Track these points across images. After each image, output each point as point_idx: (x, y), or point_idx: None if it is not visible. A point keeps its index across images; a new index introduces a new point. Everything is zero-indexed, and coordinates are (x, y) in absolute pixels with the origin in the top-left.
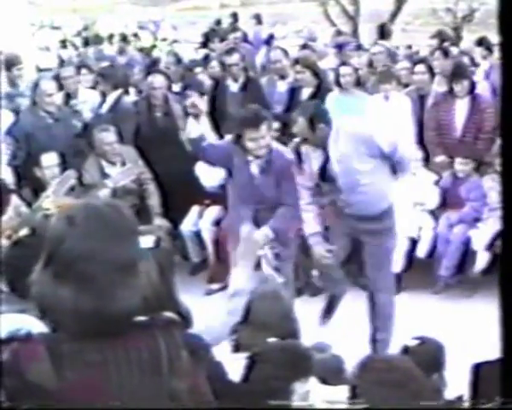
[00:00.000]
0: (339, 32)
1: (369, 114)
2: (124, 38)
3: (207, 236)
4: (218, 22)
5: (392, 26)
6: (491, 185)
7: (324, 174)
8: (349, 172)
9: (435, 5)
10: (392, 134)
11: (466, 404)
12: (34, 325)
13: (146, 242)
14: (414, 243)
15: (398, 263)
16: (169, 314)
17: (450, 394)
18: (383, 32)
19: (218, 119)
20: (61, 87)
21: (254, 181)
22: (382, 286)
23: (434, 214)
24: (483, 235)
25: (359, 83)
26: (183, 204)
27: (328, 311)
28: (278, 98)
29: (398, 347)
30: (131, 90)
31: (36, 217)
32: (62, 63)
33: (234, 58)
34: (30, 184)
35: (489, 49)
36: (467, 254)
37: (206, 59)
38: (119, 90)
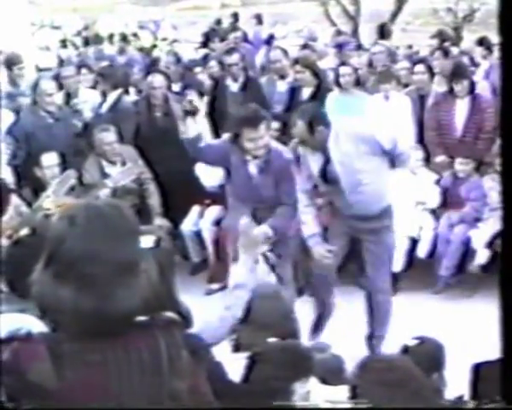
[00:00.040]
0: (339, 32)
1: (368, 113)
2: (124, 38)
3: (208, 236)
4: (219, 22)
5: (393, 25)
6: (492, 185)
7: (325, 176)
8: (351, 172)
9: (436, 5)
10: (392, 130)
11: (469, 405)
12: (34, 324)
13: (146, 242)
14: (414, 242)
15: (398, 262)
16: (169, 314)
17: (450, 394)
18: (383, 32)
19: (217, 118)
20: (61, 87)
21: (252, 181)
22: (381, 284)
23: (435, 214)
24: (483, 235)
25: (359, 83)
26: (183, 204)
27: (317, 328)
28: (278, 98)
29: (398, 347)
30: (131, 89)
31: (36, 217)
32: (62, 63)
33: (234, 58)
34: (30, 183)
35: (489, 49)
36: (467, 254)
37: (206, 59)
38: (119, 90)
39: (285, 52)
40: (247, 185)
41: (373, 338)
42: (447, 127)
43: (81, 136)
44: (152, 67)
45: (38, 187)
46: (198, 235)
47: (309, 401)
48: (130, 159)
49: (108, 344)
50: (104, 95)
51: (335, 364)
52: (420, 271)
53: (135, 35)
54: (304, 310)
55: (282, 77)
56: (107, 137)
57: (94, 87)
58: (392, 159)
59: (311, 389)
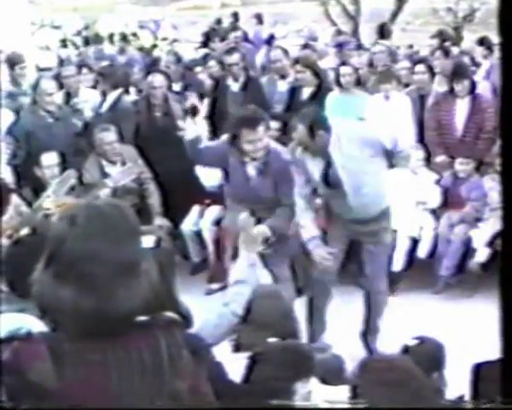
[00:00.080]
0: (339, 32)
1: (369, 115)
2: (124, 38)
3: (208, 235)
4: (219, 22)
5: (393, 25)
6: (492, 185)
7: (326, 180)
8: (354, 175)
9: (436, 5)
10: (392, 129)
11: (470, 405)
12: (34, 324)
13: (147, 242)
14: (415, 242)
15: (398, 262)
16: (170, 314)
17: (450, 394)
18: (383, 32)
19: (218, 118)
20: (61, 86)
21: (251, 182)
22: (380, 284)
23: (435, 214)
24: (484, 234)
25: (359, 82)
26: (183, 204)
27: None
28: (278, 98)
29: (398, 346)
30: (132, 89)
31: (36, 216)
32: (62, 63)
33: (234, 57)
34: (30, 183)
35: (490, 48)
36: (467, 254)
37: (206, 58)
38: (119, 90)
39: (285, 52)
40: (246, 187)
41: (368, 334)
42: (447, 127)
43: (81, 135)
44: (152, 66)
45: (38, 187)
46: (198, 235)
47: (310, 401)
48: (130, 159)
49: (109, 344)
50: (104, 94)
51: (335, 364)
52: (420, 271)
53: (135, 35)
54: (304, 310)
55: (283, 77)
56: (108, 136)
57: (94, 87)
58: (392, 158)
59: (311, 390)
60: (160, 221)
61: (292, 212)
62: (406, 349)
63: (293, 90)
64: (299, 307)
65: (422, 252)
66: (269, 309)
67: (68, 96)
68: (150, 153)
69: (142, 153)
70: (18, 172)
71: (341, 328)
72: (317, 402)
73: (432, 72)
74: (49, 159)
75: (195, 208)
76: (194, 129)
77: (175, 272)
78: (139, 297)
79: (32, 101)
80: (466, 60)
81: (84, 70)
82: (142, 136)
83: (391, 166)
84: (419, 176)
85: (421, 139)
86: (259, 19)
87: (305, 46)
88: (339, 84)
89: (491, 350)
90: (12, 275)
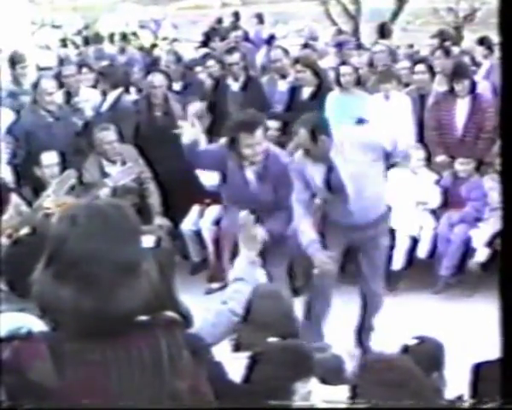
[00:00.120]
0: (340, 32)
1: (368, 115)
2: (124, 37)
3: (208, 235)
4: (219, 21)
5: (393, 25)
6: (492, 185)
7: (327, 185)
8: (357, 179)
9: (436, 4)
10: (391, 131)
11: (466, 404)
12: (34, 323)
13: (147, 241)
14: (415, 241)
15: (398, 262)
16: (170, 314)
17: (450, 393)
18: (384, 32)
19: (218, 118)
20: (61, 86)
21: (249, 186)
22: (376, 286)
23: (435, 214)
24: (484, 234)
25: (359, 82)
26: (183, 203)
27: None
28: (279, 97)
29: (398, 346)
30: (132, 89)
31: (36, 216)
32: (62, 62)
33: (234, 57)
34: (30, 182)
35: (490, 48)
36: (467, 254)
37: (206, 57)
38: (120, 89)
39: (286, 51)
40: (244, 191)
41: (362, 333)
42: (447, 127)
43: (81, 135)
44: (152, 66)
45: (38, 186)
46: (198, 234)
47: (310, 401)
48: (130, 158)
49: (109, 344)
50: (104, 94)
51: (335, 364)
52: (420, 271)
53: (133, 34)
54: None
55: (283, 76)
56: (108, 136)
57: (94, 86)
58: (392, 160)
59: (311, 389)
60: (159, 221)
61: (290, 215)
62: (406, 349)
63: (294, 90)
64: (299, 307)
65: (422, 252)
66: (269, 309)
67: (68, 96)
68: (150, 152)
69: (142, 152)
70: (18, 172)
71: (341, 328)
72: (317, 402)
73: (432, 71)
74: (49, 158)
75: (195, 208)
76: (192, 132)
77: (175, 271)
78: (139, 297)
79: (32, 100)
80: (466, 59)
81: (85, 69)
82: (142, 135)
83: (391, 165)
84: (419, 176)
85: (421, 139)
86: (260, 18)
87: (306, 46)
88: (339, 83)
89: (491, 350)
90: (12, 275)
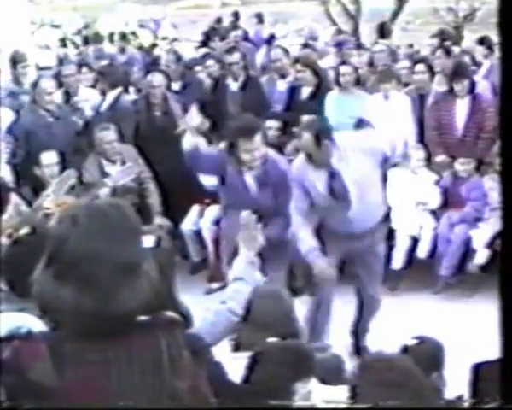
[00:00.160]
0: (339, 31)
1: (368, 115)
2: (124, 37)
3: (207, 235)
4: (219, 21)
5: (393, 25)
6: (492, 185)
7: (329, 192)
8: (360, 184)
9: (436, 4)
10: (390, 135)
11: (466, 404)
12: (34, 323)
13: (147, 241)
14: (415, 241)
15: (398, 261)
16: (170, 314)
17: (450, 393)
18: (383, 31)
19: (217, 118)
20: (60, 85)
21: (249, 191)
22: (373, 290)
23: (435, 214)
24: (484, 234)
25: (359, 82)
26: (183, 203)
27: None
28: (278, 97)
29: (398, 346)
30: (131, 88)
31: (36, 216)
32: (62, 62)
33: (234, 57)
34: (29, 182)
35: (490, 48)
36: (467, 254)
37: (205, 57)
38: (119, 89)
39: (285, 51)
40: (243, 195)
41: (358, 334)
42: (447, 127)
43: (81, 134)
44: (152, 65)
45: (38, 186)
46: (198, 234)
47: (310, 400)
48: (129, 158)
49: (109, 344)
50: (104, 93)
51: (335, 364)
52: (420, 271)
53: (133, 34)
54: (304, 310)
55: (283, 76)
56: (107, 135)
57: (94, 86)
58: (390, 163)
59: (311, 389)
60: (159, 221)
61: (289, 221)
62: (406, 349)
63: (293, 90)
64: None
65: (422, 252)
66: (269, 309)
67: (68, 96)
68: (150, 152)
69: (142, 152)
70: (17, 172)
71: (341, 328)
72: (317, 402)
73: (432, 71)
74: (49, 158)
75: (195, 208)
76: (191, 138)
77: (175, 271)
78: (139, 297)
79: (32, 100)
80: (466, 59)
81: (84, 69)
82: (141, 135)
83: (391, 166)
84: (419, 176)
85: (421, 139)
86: (260, 18)
87: (306, 45)
88: (338, 83)
89: (491, 350)
90: (12, 275)
